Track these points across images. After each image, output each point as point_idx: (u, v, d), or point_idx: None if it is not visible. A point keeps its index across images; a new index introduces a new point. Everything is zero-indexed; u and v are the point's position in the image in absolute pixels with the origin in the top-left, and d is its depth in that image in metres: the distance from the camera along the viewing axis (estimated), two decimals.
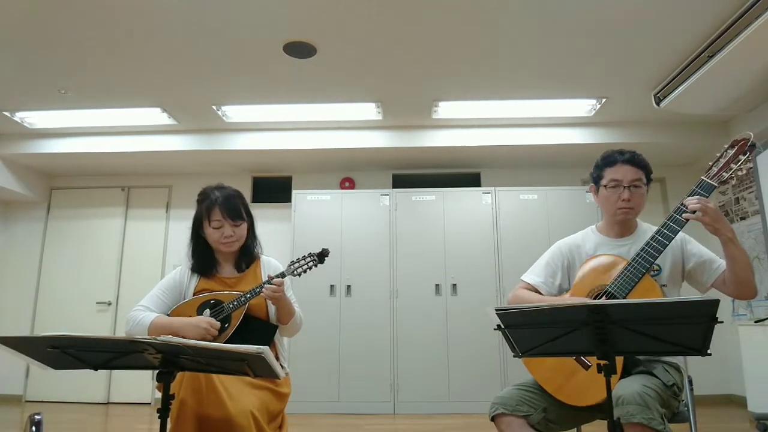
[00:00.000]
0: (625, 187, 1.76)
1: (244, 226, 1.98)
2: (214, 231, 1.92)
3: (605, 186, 1.81)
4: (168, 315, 1.88)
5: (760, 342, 3.95)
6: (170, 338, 1.19)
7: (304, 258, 1.97)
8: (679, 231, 1.61)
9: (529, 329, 1.28)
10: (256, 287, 1.84)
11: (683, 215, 1.59)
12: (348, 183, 5.52)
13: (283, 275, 1.91)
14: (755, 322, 4.10)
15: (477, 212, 4.94)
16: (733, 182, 1.62)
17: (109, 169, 5.57)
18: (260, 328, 1.89)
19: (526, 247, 4.72)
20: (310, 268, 1.96)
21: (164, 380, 1.32)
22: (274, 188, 5.60)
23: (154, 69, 3.78)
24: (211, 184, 2.01)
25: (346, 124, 4.86)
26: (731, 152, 1.63)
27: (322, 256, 1.98)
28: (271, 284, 1.81)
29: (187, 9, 3.05)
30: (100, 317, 5.40)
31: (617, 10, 3.08)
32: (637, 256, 1.64)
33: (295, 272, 1.95)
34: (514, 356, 1.37)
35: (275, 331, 1.92)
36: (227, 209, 1.91)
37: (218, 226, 1.91)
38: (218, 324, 1.80)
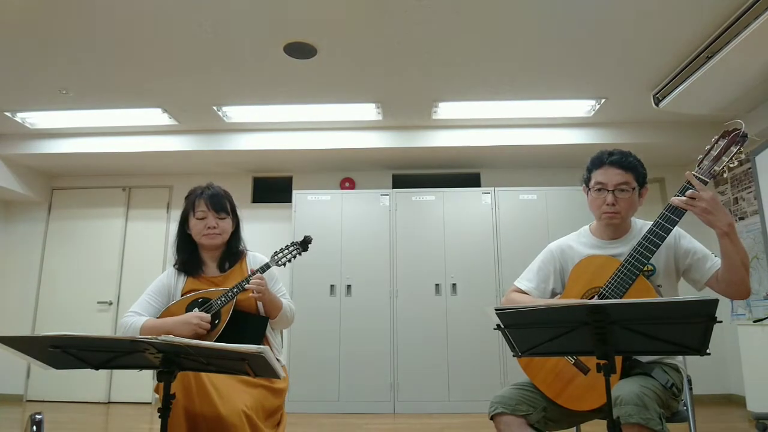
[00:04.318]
0: (609, 190, 1.70)
1: (229, 221, 2.01)
2: (197, 222, 1.95)
3: (591, 189, 1.77)
4: (158, 317, 1.89)
5: (759, 341, 3.95)
6: (171, 338, 1.20)
7: (287, 247, 1.99)
8: (672, 230, 1.56)
9: (528, 329, 1.28)
10: (243, 281, 1.85)
11: (673, 199, 1.54)
12: (348, 183, 5.52)
13: (267, 266, 1.93)
14: (754, 321, 4.10)
15: (477, 212, 4.94)
16: (726, 175, 1.55)
17: (110, 169, 5.57)
18: (251, 321, 1.90)
19: (526, 247, 4.72)
20: (294, 257, 1.98)
21: (165, 380, 1.32)
22: (275, 188, 5.61)
23: (155, 69, 3.78)
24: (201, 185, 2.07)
25: (346, 124, 4.87)
26: (722, 143, 1.56)
27: (305, 244, 2.00)
28: (252, 280, 1.83)
29: (187, 9, 3.06)
30: (101, 317, 5.41)
31: (617, 10, 3.08)
32: (629, 257, 1.60)
33: (279, 262, 1.97)
34: (513, 356, 1.37)
35: (266, 323, 1.93)
36: (212, 201, 1.96)
37: (202, 216, 1.95)
38: (208, 317, 1.81)
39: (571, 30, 3.29)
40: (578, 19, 3.18)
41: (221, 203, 1.98)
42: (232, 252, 2.03)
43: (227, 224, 2.00)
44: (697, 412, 1.71)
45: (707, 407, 4.59)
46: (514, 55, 3.61)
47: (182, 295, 1.93)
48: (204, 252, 2.02)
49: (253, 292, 1.82)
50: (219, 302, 1.85)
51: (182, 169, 5.58)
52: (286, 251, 1.98)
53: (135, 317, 1.88)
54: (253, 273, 1.86)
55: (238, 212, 2.08)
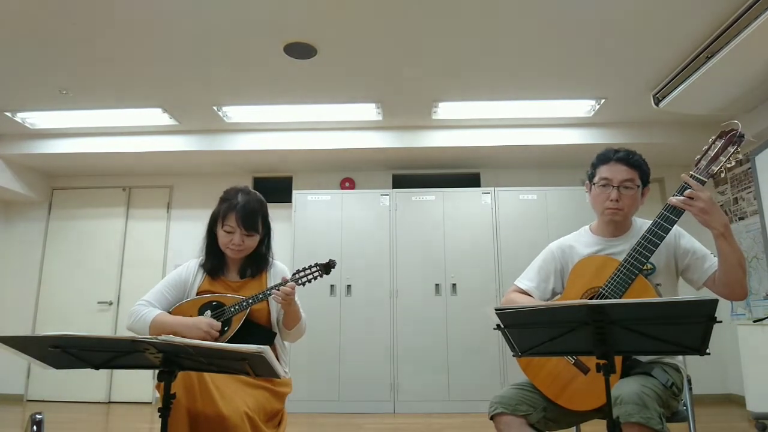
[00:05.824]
0: (614, 186, 1.72)
1: (256, 238, 1.94)
2: (225, 234, 1.91)
3: (595, 184, 1.78)
4: (170, 312, 1.88)
5: (759, 341, 3.95)
6: (171, 338, 1.20)
7: (309, 267, 1.94)
8: (670, 229, 1.56)
9: (528, 329, 1.28)
10: (260, 294, 1.83)
11: (671, 198, 1.55)
12: (348, 183, 5.53)
13: (286, 283, 1.91)
14: (754, 321, 4.11)
15: (477, 212, 4.94)
16: (723, 175, 1.56)
17: (110, 169, 5.57)
18: (259, 333, 1.89)
19: (526, 247, 4.72)
20: (315, 279, 1.94)
21: (165, 380, 1.32)
22: (275, 188, 5.60)
23: (155, 69, 3.79)
24: (238, 186, 1.98)
25: (346, 124, 4.87)
26: (719, 143, 1.57)
27: (328, 267, 1.94)
28: (282, 287, 1.80)
29: (187, 9, 3.06)
30: (101, 317, 5.41)
31: (617, 10, 3.09)
32: (628, 256, 1.60)
33: (299, 281, 1.92)
34: (513, 355, 1.37)
35: (274, 337, 1.92)
36: (243, 218, 1.88)
37: (230, 231, 1.89)
38: (219, 325, 1.80)
39: (571, 30, 3.30)
40: (578, 19, 3.18)
41: (252, 221, 1.89)
42: (257, 262, 1.99)
43: (254, 241, 1.94)
44: (697, 412, 1.71)
45: (707, 407, 4.59)
46: (514, 55, 3.61)
47: (197, 294, 1.92)
48: (228, 257, 1.99)
49: (282, 298, 1.80)
50: (233, 309, 1.83)
51: (182, 169, 5.59)
52: (308, 272, 1.93)
53: (147, 308, 1.85)
54: (285, 281, 1.83)
55: (270, 221, 2.00)
